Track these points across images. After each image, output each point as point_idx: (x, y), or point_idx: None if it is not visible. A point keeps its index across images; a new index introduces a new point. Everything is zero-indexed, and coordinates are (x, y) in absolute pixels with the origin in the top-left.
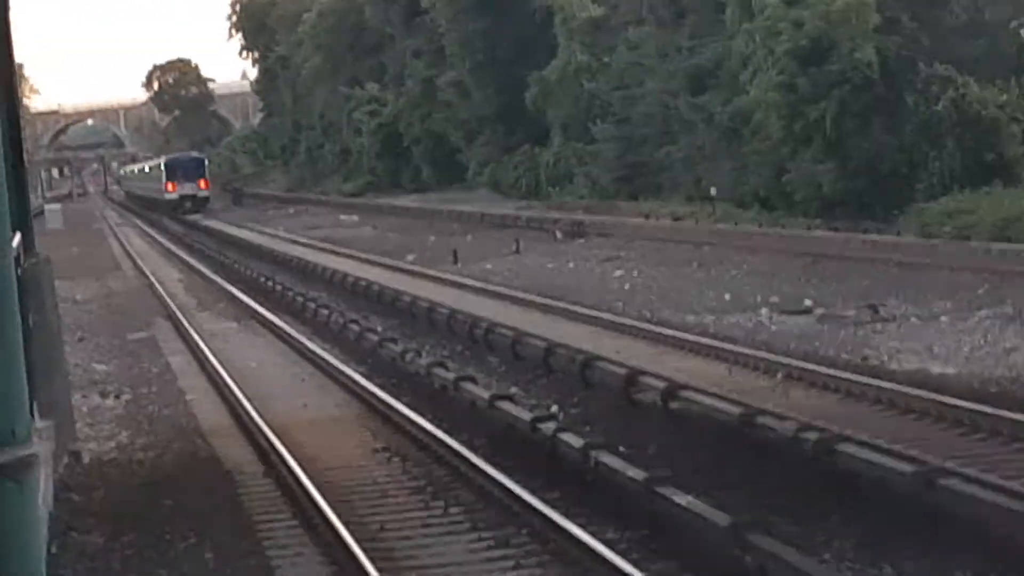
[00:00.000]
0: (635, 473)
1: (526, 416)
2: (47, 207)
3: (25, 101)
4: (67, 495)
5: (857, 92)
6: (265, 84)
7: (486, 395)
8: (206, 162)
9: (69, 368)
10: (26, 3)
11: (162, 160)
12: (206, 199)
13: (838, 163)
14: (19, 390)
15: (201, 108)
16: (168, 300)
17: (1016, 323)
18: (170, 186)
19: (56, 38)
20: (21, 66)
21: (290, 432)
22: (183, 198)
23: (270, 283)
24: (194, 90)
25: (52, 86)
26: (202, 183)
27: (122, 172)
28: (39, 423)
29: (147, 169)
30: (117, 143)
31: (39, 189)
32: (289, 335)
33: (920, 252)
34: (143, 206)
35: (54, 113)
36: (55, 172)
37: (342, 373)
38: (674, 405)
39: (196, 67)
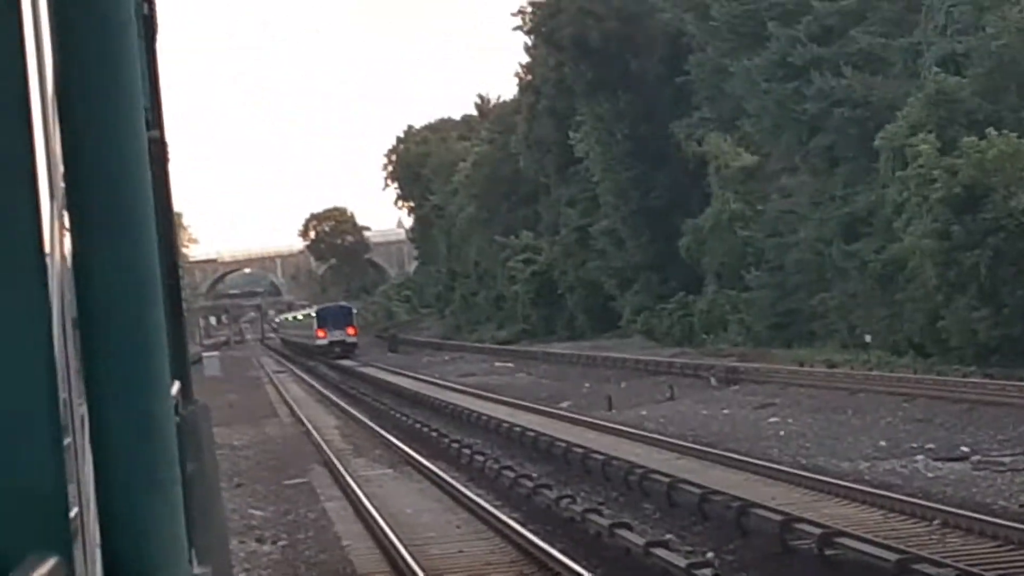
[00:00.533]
0: None
1: (681, 563)
2: (205, 355)
3: (184, 250)
4: None
5: (1012, 239)
6: (420, 232)
7: (641, 541)
8: (354, 311)
9: (227, 514)
10: (185, 154)
11: (314, 309)
12: (354, 345)
13: (993, 310)
14: (179, 542)
15: (357, 256)
16: (324, 446)
17: None
18: (321, 333)
19: (214, 187)
20: (180, 215)
21: None
22: (332, 343)
23: (425, 429)
24: (350, 239)
25: (210, 234)
26: (350, 330)
27: (278, 320)
28: (197, 570)
29: (300, 317)
30: (274, 291)
31: (197, 337)
32: (444, 481)
33: None
34: (297, 352)
35: (212, 262)
36: (213, 320)
37: (497, 519)
38: (830, 552)
39: (352, 216)
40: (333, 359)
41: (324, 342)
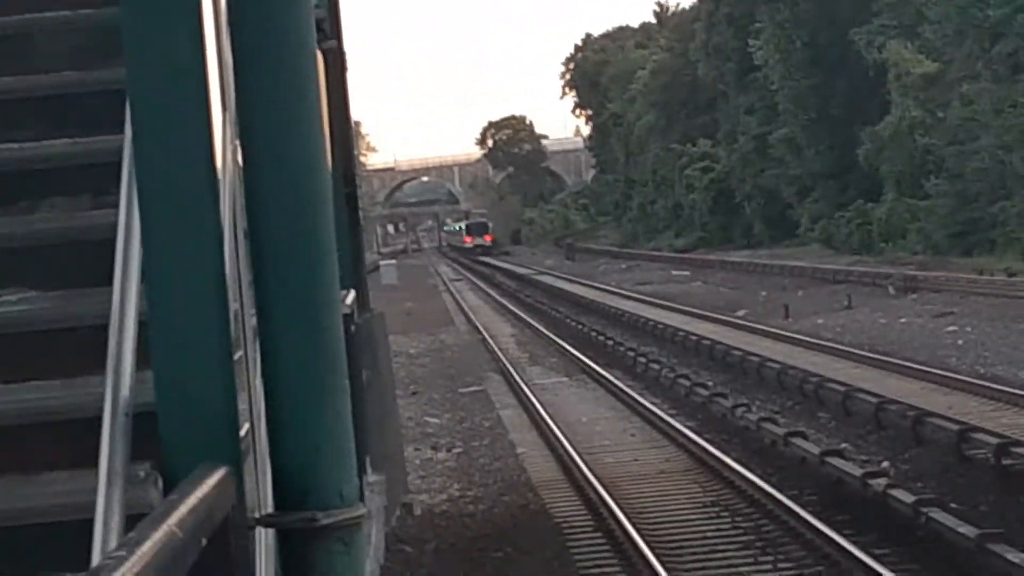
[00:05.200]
0: (967, 530)
1: (856, 472)
2: (382, 263)
3: (362, 159)
4: (400, 547)
5: None
6: (598, 141)
7: (816, 450)
8: (489, 224)
9: (402, 422)
10: (365, 62)
11: (464, 223)
12: (491, 247)
13: None
14: (347, 452)
15: (534, 165)
16: (500, 354)
17: None
18: (468, 239)
19: (394, 95)
20: (358, 124)
21: (620, 486)
22: (475, 246)
23: (601, 337)
24: (527, 147)
25: (388, 141)
26: (487, 237)
27: (445, 229)
28: (372, 477)
29: (457, 228)
30: (451, 199)
31: (374, 245)
32: (619, 389)
33: None
34: (455, 251)
35: (390, 170)
36: (390, 228)
37: (672, 427)
38: (1007, 462)
39: (530, 124)
40: (477, 256)
41: (469, 245)
